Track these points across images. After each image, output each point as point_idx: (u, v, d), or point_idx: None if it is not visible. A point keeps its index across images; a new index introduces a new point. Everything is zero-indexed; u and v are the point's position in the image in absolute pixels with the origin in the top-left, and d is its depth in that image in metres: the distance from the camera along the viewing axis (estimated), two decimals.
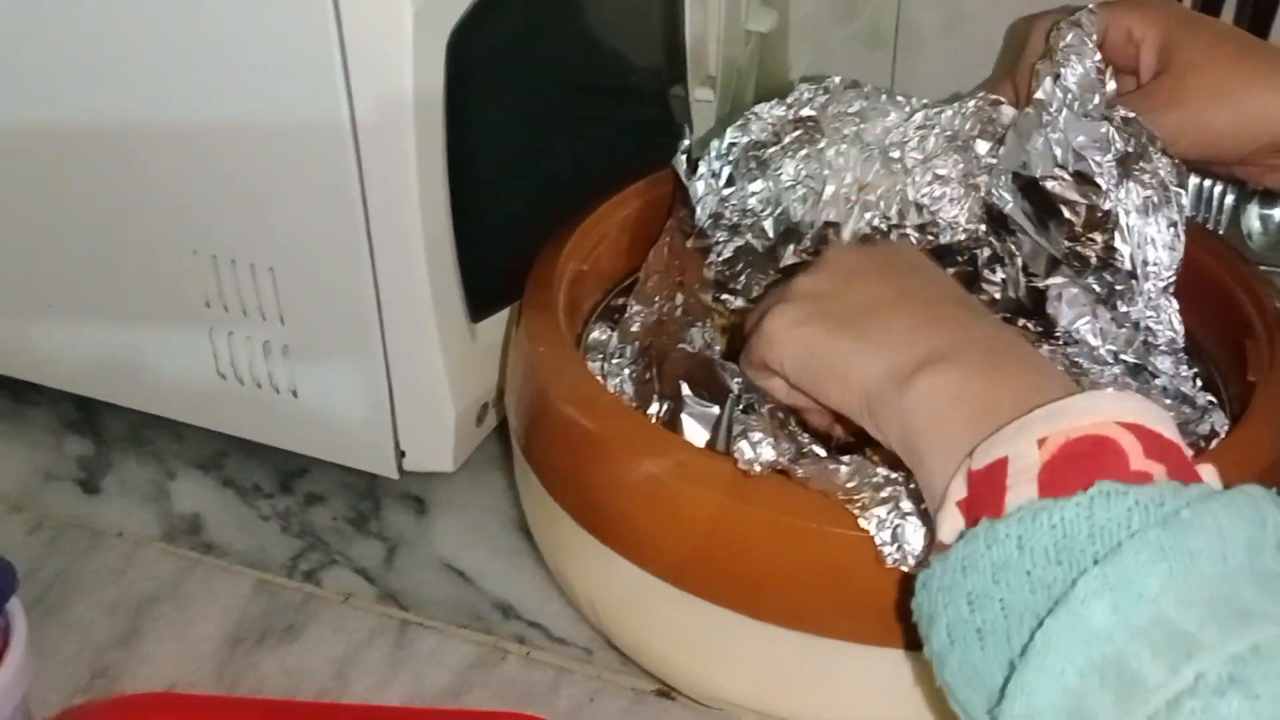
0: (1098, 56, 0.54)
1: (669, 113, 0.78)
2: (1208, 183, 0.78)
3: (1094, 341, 0.55)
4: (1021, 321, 0.58)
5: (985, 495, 0.34)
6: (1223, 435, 0.47)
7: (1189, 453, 0.34)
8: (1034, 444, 0.34)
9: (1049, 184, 0.53)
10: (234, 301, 0.58)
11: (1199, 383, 0.51)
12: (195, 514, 0.62)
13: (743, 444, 0.42)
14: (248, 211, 0.55)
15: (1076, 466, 0.33)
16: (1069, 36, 0.54)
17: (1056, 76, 0.53)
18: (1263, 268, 0.74)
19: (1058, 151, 0.52)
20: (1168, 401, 0.51)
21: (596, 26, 0.68)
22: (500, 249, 0.60)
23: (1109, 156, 0.51)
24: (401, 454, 0.60)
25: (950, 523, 0.35)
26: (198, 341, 0.60)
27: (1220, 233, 0.77)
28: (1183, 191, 0.51)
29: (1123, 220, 0.51)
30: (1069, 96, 0.53)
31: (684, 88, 0.78)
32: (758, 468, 0.41)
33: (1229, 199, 0.78)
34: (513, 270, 0.59)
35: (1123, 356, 0.54)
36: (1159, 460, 0.33)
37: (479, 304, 0.59)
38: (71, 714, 0.48)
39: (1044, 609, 0.31)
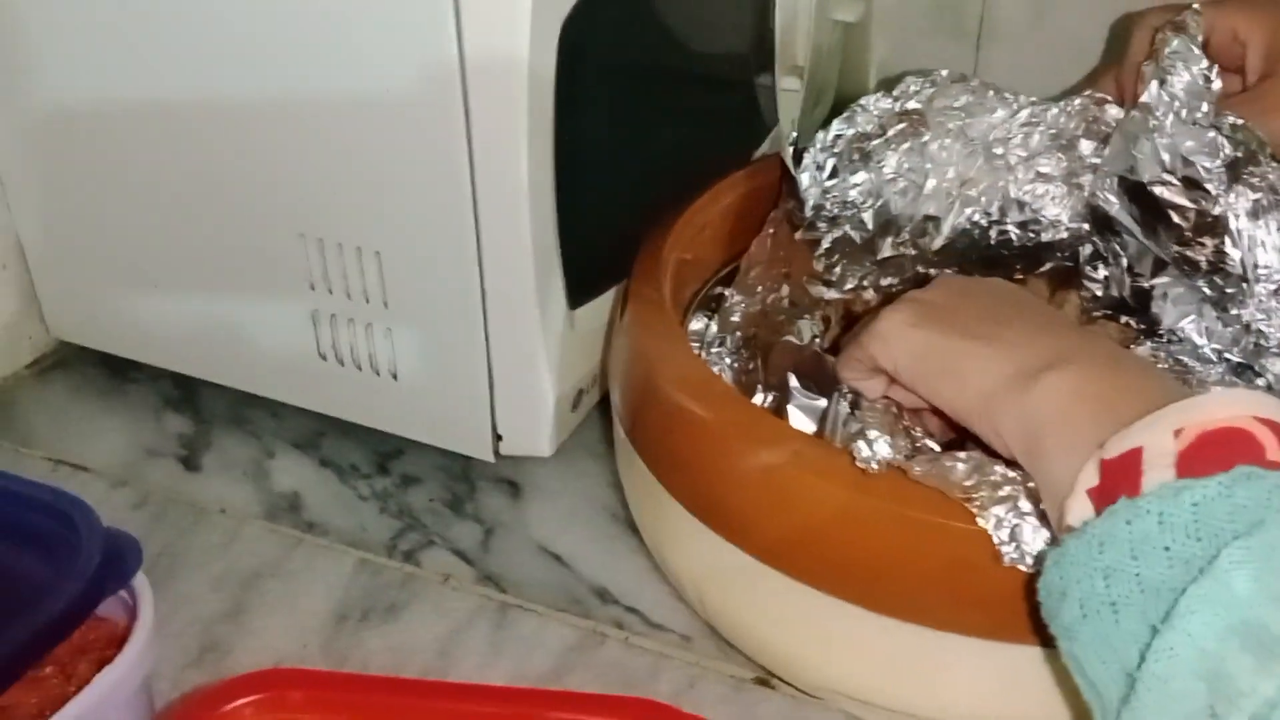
0: (1204, 63, 0.53)
1: (755, 101, 0.78)
2: None
3: (1199, 340, 0.54)
4: (1124, 319, 0.58)
5: (1120, 481, 0.34)
6: None
7: None
8: (1170, 434, 0.34)
9: (1157, 189, 0.52)
10: (339, 284, 0.59)
11: None
12: (295, 492, 0.63)
13: (860, 443, 0.42)
14: (357, 196, 0.56)
15: (1214, 454, 0.33)
16: (1175, 43, 0.53)
17: (1163, 82, 0.53)
18: None
19: (1165, 157, 0.52)
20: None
21: (695, 17, 0.68)
22: (600, 236, 0.60)
23: (1217, 162, 0.51)
24: (498, 438, 0.60)
25: (1079, 508, 0.36)
26: (300, 322, 0.61)
27: None
28: None
29: (1232, 224, 0.51)
30: (1176, 104, 0.52)
31: (771, 76, 0.78)
32: (875, 465, 0.42)
33: None
34: (610, 258, 0.59)
35: (1227, 355, 0.54)
36: None
37: (578, 290, 0.60)
38: (191, 698, 0.49)
39: (1181, 584, 0.31)
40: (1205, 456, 0.33)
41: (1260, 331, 0.51)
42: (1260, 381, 0.53)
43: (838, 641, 0.45)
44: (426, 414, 0.61)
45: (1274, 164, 0.52)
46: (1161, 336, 0.56)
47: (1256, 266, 0.50)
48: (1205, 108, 0.52)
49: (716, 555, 0.47)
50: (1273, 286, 0.50)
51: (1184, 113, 0.52)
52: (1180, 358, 0.55)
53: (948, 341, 0.43)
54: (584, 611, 0.56)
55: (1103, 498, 0.35)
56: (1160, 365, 0.54)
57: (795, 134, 0.58)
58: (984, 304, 0.45)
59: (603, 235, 0.61)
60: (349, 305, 0.59)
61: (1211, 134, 0.51)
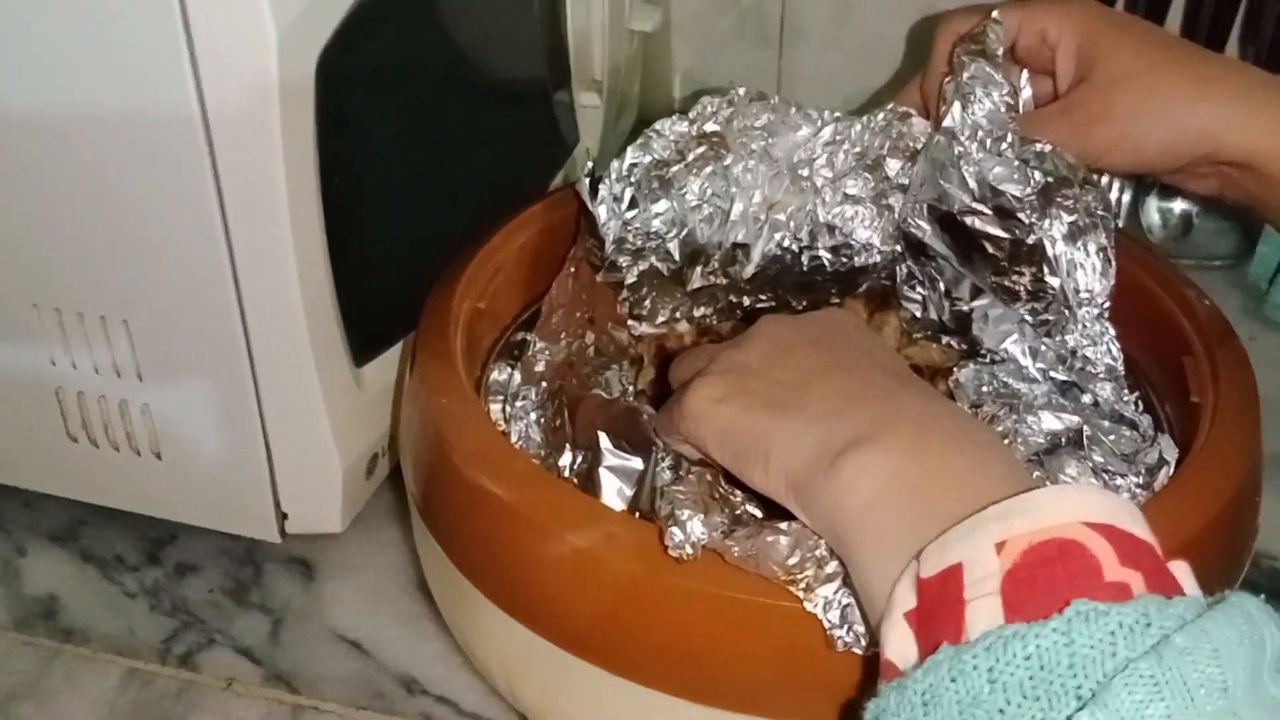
0: (1005, 89, 0.51)
1: (555, 120, 0.74)
2: (1105, 179, 0.76)
3: (1023, 360, 0.52)
4: (945, 339, 0.55)
5: (940, 609, 0.30)
6: (1172, 464, 0.45)
7: (1161, 552, 0.30)
8: (991, 548, 0.29)
9: (968, 219, 0.50)
10: (84, 358, 0.52)
11: (1139, 405, 0.49)
12: (51, 595, 0.55)
13: (674, 528, 0.38)
14: (96, 260, 0.49)
15: (1044, 578, 0.29)
16: (973, 68, 0.51)
17: (965, 106, 0.50)
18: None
19: (974, 185, 0.49)
20: (1106, 424, 0.48)
21: (476, 38, 0.63)
22: (385, 283, 0.55)
23: (1029, 190, 0.48)
24: (284, 515, 0.54)
25: (899, 638, 0.31)
26: (44, 402, 0.54)
27: (1121, 225, 0.76)
28: (1109, 217, 0.48)
29: (1049, 251, 0.48)
30: (980, 132, 0.50)
31: (569, 93, 0.74)
32: (689, 550, 0.37)
33: (1127, 195, 0.77)
34: (399, 306, 0.54)
35: (1052, 374, 0.52)
36: (1134, 566, 0.29)
37: (363, 345, 0.54)
38: None
39: None
40: (1035, 581, 0.28)
41: (1087, 357, 0.48)
42: (1085, 399, 0.51)
43: None
44: (198, 494, 0.54)
45: (1089, 188, 0.49)
46: (985, 357, 0.53)
47: (1078, 291, 0.48)
48: (1010, 138, 0.49)
49: (525, 646, 0.42)
50: (1095, 310, 0.48)
51: (988, 141, 0.49)
52: (1005, 379, 0.52)
53: (749, 418, 0.38)
54: (388, 706, 0.50)
55: (923, 625, 0.30)
56: (984, 388, 0.52)
57: (591, 165, 0.53)
58: (799, 360, 0.40)
59: (391, 281, 0.55)
60: (98, 381, 0.52)
61: (1018, 162, 0.48)
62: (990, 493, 0.31)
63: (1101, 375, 0.48)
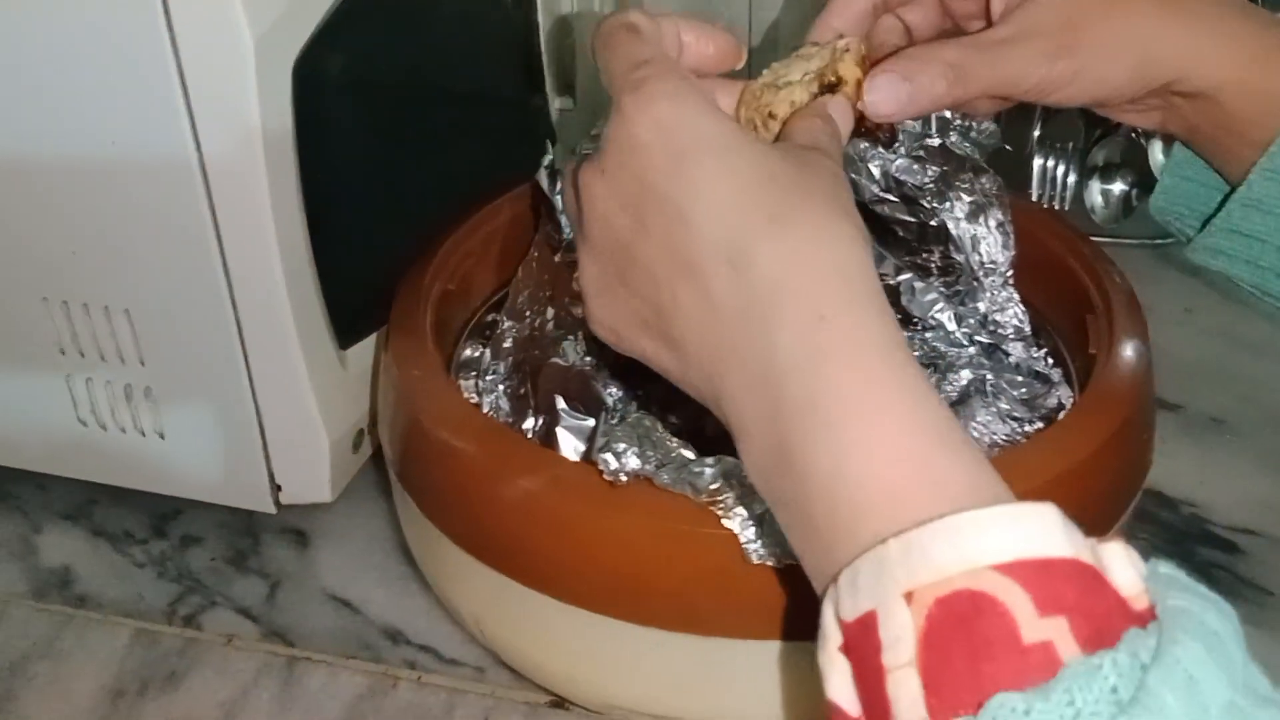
0: None
1: (532, 122, 0.78)
2: (1050, 162, 0.81)
3: (950, 326, 0.57)
4: None
5: (864, 668, 0.28)
6: (1069, 407, 0.49)
7: (1088, 551, 0.27)
8: (900, 600, 0.27)
9: (878, 208, 0.55)
10: (89, 346, 0.57)
11: (1050, 361, 0.53)
12: (65, 567, 0.60)
13: (607, 455, 0.42)
14: (98, 254, 0.54)
15: (959, 648, 0.26)
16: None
17: None
18: (1107, 239, 0.78)
19: (880, 178, 0.55)
20: (1020, 378, 0.53)
21: (451, 42, 0.68)
22: (366, 273, 0.59)
23: (927, 179, 0.53)
24: (277, 488, 0.59)
25: (838, 675, 0.29)
26: (54, 389, 0.58)
27: (1065, 208, 0.80)
28: (1004, 194, 0.53)
29: (953, 230, 0.53)
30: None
31: (544, 96, 0.78)
32: (623, 477, 0.42)
33: (1071, 178, 0.81)
34: (381, 293, 0.58)
35: (977, 338, 0.56)
36: (1056, 610, 0.26)
37: (347, 330, 0.59)
38: None
39: None
40: (950, 653, 0.26)
41: (996, 321, 0.53)
42: (1010, 360, 0.55)
43: (616, 660, 0.46)
44: (199, 472, 0.59)
45: (984, 173, 0.54)
46: (916, 324, 0.58)
47: (983, 264, 0.53)
48: (901, 136, 0.54)
49: (491, 588, 0.47)
50: (1000, 279, 0.53)
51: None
52: (935, 344, 0.57)
53: (647, 347, 0.36)
54: (375, 656, 0.55)
55: (857, 674, 0.28)
56: (915, 352, 0.56)
57: (551, 156, 0.58)
58: (633, 254, 0.35)
59: (371, 272, 0.60)
60: (104, 367, 0.57)
61: (920, 153, 0.53)
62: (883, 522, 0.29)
63: (1011, 336, 0.53)
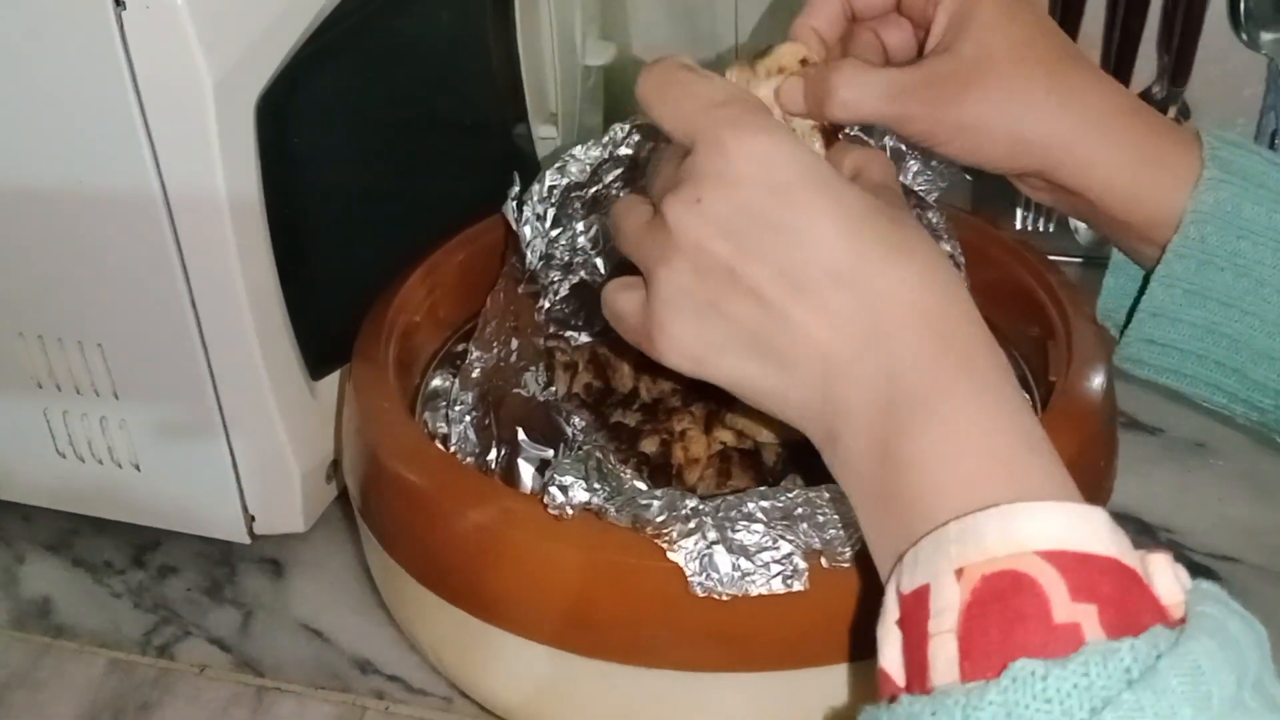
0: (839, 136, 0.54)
1: (515, 151, 0.79)
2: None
3: None
4: None
5: (913, 634, 0.31)
6: None
7: (1134, 557, 0.30)
8: (952, 575, 0.30)
9: None
10: (65, 380, 0.57)
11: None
12: (45, 597, 0.61)
13: (553, 489, 0.42)
14: (70, 291, 0.55)
15: (996, 619, 0.29)
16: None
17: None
18: (1090, 260, 0.78)
19: None
20: None
21: (426, 75, 0.68)
22: (337, 305, 0.60)
23: None
24: (251, 518, 0.59)
25: (892, 646, 0.31)
26: (34, 422, 0.59)
27: (1050, 230, 0.80)
28: (951, 229, 0.53)
29: None
30: None
31: (526, 126, 0.79)
32: (569, 511, 0.42)
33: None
34: (354, 325, 0.59)
35: None
36: (1089, 598, 0.29)
37: (319, 361, 0.59)
38: None
39: None
40: (987, 623, 0.29)
41: None
42: None
43: (566, 691, 0.46)
44: (174, 502, 0.60)
45: (932, 210, 0.54)
46: None
47: None
48: None
49: (445, 619, 0.47)
50: None
51: None
52: None
53: (742, 372, 0.37)
54: (344, 685, 0.55)
55: (906, 630, 0.31)
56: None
57: (516, 188, 0.59)
58: (739, 277, 0.36)
59: (344, 302, 0.60)
60: (80, 401, 0.58)
61: None
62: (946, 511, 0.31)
63: None
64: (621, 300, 0.41)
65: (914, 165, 0.55)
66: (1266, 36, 0.77)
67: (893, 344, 0.34)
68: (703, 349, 0.38)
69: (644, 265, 0.39)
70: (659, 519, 0.41)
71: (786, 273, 0.35)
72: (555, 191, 0.58)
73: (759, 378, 0.37)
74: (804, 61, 0.45)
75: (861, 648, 0.40)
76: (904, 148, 0.54)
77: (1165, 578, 0.30)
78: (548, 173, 0.58)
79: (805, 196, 0.36)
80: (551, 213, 0.58)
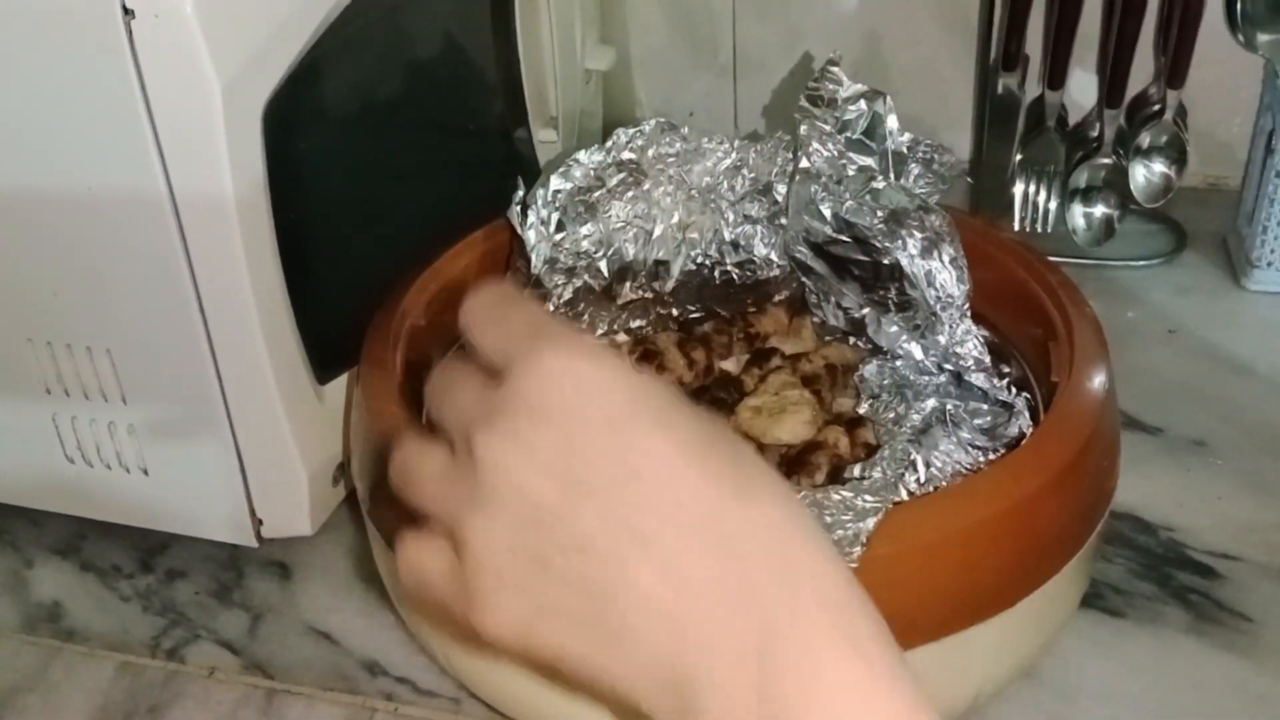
0: (840, 141, 0.56)
1: (515, 155, 0.79)
2: (1032, 186, 0.81)
3: (919, 355, 0.57)
4: (852, 340, 0.60)
5: None
6: (1029, 435, 0.49)
7: None
8: None
9: (832, 248, 0.57)
10: (74, 385, 0.58)
11: (1014, 389, 0.53)
12: (55, 601, 0.61)
13: None
14: (78, 296, 0.55)
15: None
16: (802, 129, 0.57)
17: (808, 158, 0.56)
18: (1089, 261, 0.79)
19: (831, 220, 0.56)
20: (985, 406, 0.53)
21: (429, 79, 0.69)
22: (344, 308, 0.60)
23: (877, 219, 0.54)
24: (259, 522, 0.60)
25: None
26: (42, 427, 0.60)
27: (1048, 231, 0.81)
28: (955, 231, 0.54)
29: (907, 268, 0.54)
30: (823, 179, 0.56)
31: (527, 130, 0.80)
32: None
33: (1053, 201, 0.81)
34: (361, 328, 0.60)
35: (945, 366, 0.57)
36: None
37: (326, 365, 0.60)
38: None
39: None
40: None
41: (957, 354, 0.53)
42: (977, 388, 0.55)
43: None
44: (183, 507, 0.60)
45: (932, 214, 0.55)
46: (887, 354, 0.58)
47: (939, 298, 0.53)
48: (844, 181, 0.56)
49: None
50: (958, 312, 0.53)
51: (830, 184, 0.56)
52: (905, 373, 0.57)
53: (546, 633, 0.32)
54: (353, 687, 0.55)
55: None
56: (885, 381, 0.56)
57: (522, 193, 0.59)
58: (563, 525, 0.31)
59: (349, 307, 0.61)
60: (88, 406, 0.58)
61: (866, 196, 0.54)
62: None
63: (973, 367, 0.53)
64: (427, 561, 0.34)
65: (915, 169, 0.56)
66: (1263, 38, 0.78)
67: (763, 600, 0.30)
68: (535, 619, 0.32)
69: (450, 517, 0.33)
70: None
71: (626, 519, 0.30)
72: (559, 196, 0.58)
73: (595, 651, 0.31)
74: None
75: None
76: (905, 150, 0.55)
77: None
78: (552, 177, 0.58)
79: (639, 427, 0.31)
80: (555, 217, 0.59)
